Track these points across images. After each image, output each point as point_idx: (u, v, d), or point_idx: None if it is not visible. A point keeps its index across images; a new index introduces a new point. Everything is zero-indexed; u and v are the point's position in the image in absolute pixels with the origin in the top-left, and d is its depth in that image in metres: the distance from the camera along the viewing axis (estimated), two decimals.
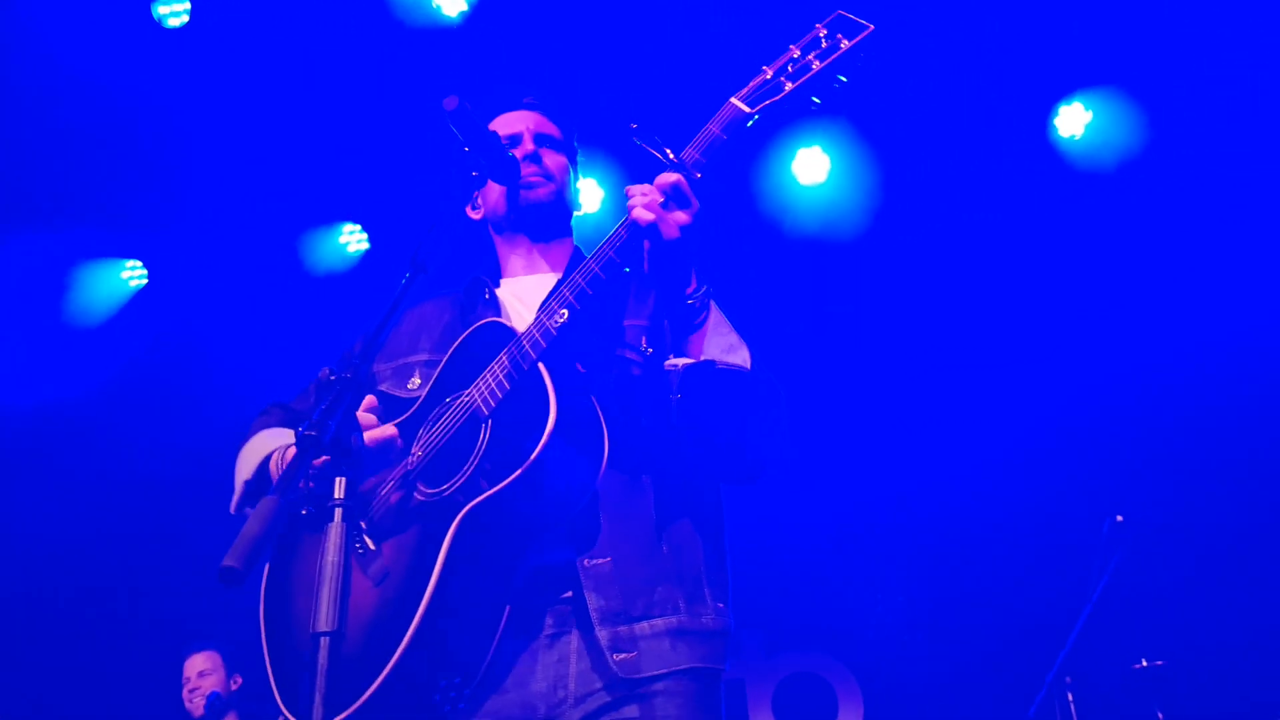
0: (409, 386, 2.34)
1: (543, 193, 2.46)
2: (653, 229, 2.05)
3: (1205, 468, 5.24)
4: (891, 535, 6.04)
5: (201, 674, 5.40)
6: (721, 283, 2.25)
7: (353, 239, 6.34)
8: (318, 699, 1.23)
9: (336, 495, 1.41)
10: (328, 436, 1.39)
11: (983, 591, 5.69)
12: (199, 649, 5.48)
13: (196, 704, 5.34)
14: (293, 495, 1.33)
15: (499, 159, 2.24)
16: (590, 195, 6.21)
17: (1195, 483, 5.24)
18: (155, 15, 5.31)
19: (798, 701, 6.31)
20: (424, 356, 2.40)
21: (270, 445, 2.29)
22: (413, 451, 2.18)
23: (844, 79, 2.06)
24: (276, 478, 2.20)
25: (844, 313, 6.16)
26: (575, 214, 2.61)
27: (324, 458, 1.46)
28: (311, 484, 1.58)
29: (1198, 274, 5.42)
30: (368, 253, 6.30)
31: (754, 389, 2.16)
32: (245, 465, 2.30)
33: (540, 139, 2.52)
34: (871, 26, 2.03)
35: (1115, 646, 4.14)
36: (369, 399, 2.21)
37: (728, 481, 2.36)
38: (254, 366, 5.71)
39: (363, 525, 2.16)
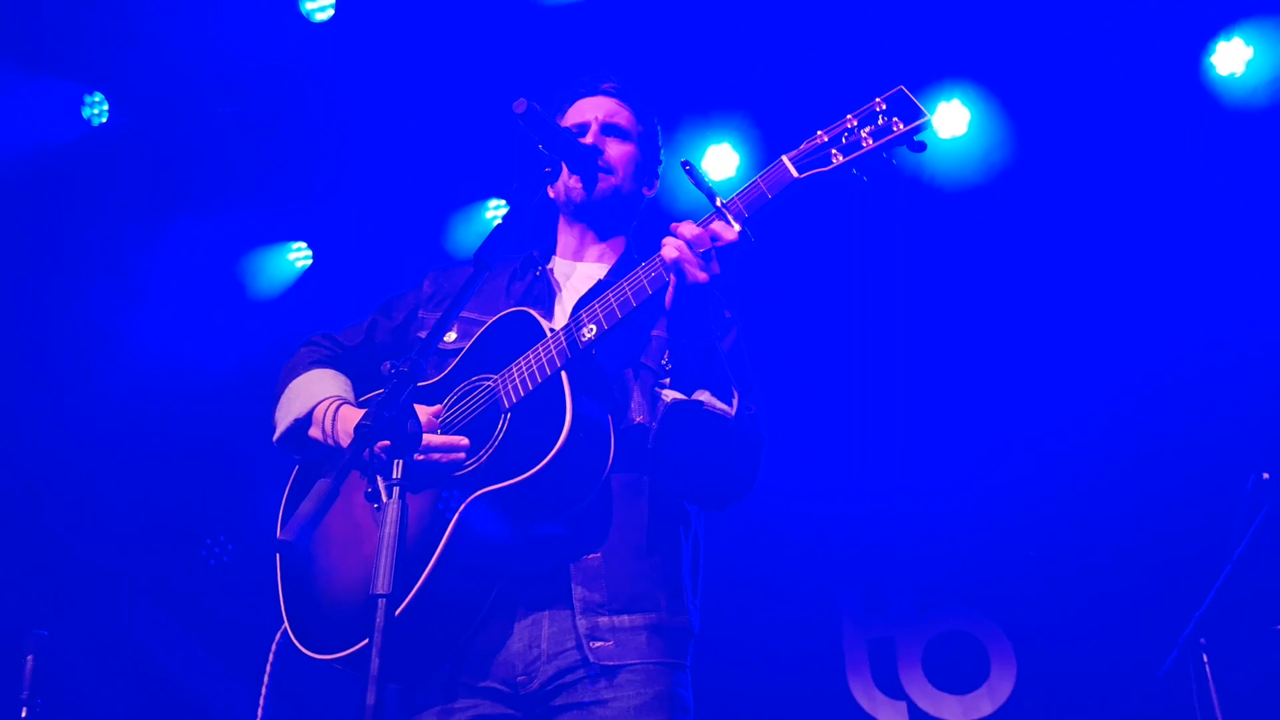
0: (445, 339, 2.48)
1: (601, 187, 2.52)
2: (683, 272, 2.07)
3: None
4: (1038, 491, 5.95)
5: None
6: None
7: (498, 214, 6.60)
8: (374, 656, 1.40)
9: (395, 475, 1.58)
10: (382, 425, 1.56)
11: (1130, 548, 5.58)
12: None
13: None
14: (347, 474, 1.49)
15: (573, 151, 2.36)
16: (725, 161, 6.29)
17: None
18: (303, 10, 5.66)
19: (949, 660, 6.30)
20: (466, 314, 2.50)
21: (321, 391, 2.46)
22: (437, 420, 2.32)
23: (888, 158, 2.05)
24: (324, 434, 2.36)
25: (987, 263, 6.06)
26: (647, 194, 2.67)
27: (383, 443, 1.63)
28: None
29: None
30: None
31: (731, 435, 2.23)
32: (296, 401, 2.47)
33: (607, 129, 2.58)
34: (927, 115, 2.03)
35: (1258, 607, 4.01)
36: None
37: (691, 502, 2.45)
38: None
39: (380, 481, 2.26)
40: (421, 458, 2.16)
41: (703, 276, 2.07)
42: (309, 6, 5.69)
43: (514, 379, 2.25)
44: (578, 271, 2.59)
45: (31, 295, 6.18)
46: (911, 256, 6.08)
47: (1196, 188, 5.59)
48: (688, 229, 2.09)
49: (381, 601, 1.46)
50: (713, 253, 2.07)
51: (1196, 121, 5.58)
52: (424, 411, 2.26)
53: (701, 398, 2.19)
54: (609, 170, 2.53)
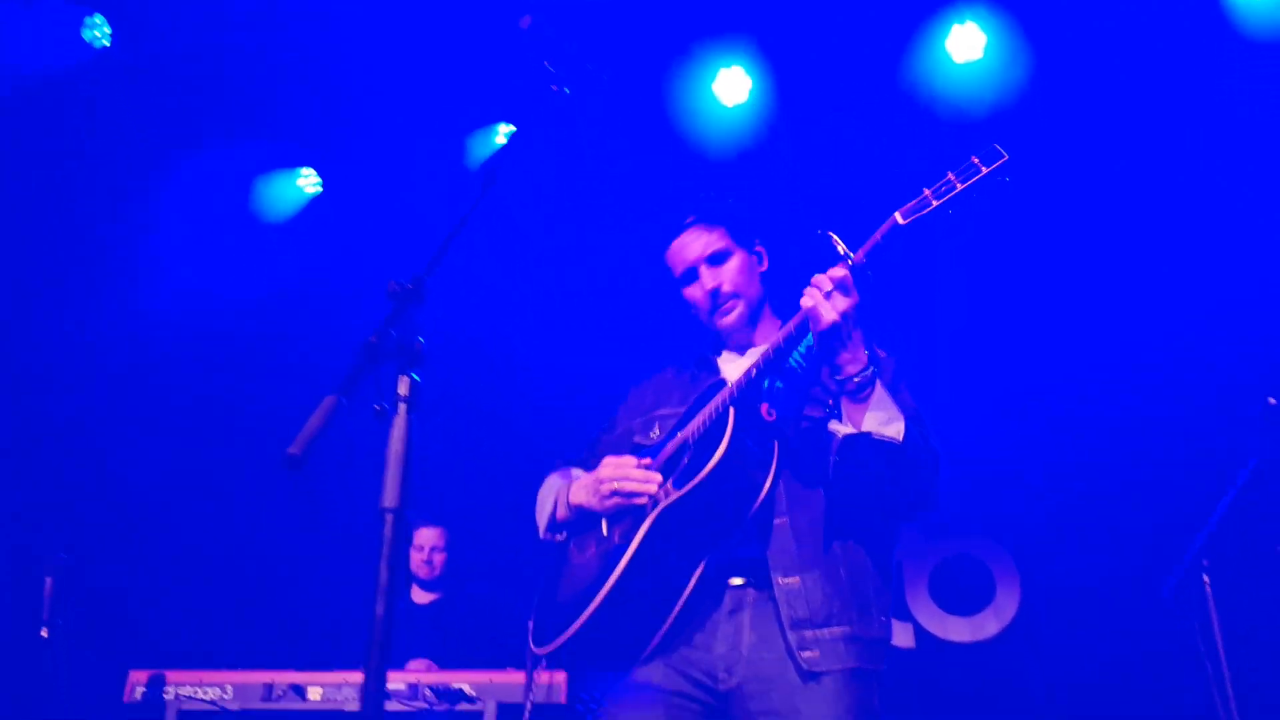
0: (651, 435, 2.95)
1: (732, 318, 2.93)
2: (814, 313, 2.46)
3: None
4: (1043, 415, 5.98)
5: (434, 548, 5.93)
6: (898, 355, 2.75)
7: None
8: (383, 568, 1.43)
9: (401, 392, 1.60)
10: (389, 343, 1.57)
11: (1134, 471, 5.62)
12: (427, 522, 5.98)
13: (423, 569, 5.94)
14: (356, 393, 1.52)
15: (580, 70, 2.35)
16: (739, 85, 6.23)
17: None
18: None
19: (954, 583, 6.39)
20: (664, 412, 2.97)
21: (559, 484, 2.96)
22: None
23: (975, 196, 2.45)
24: (568, 508, 2.87)
25: (1004, 195, 6.00)
26: (763, 269, 3.01)
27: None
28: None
29: None
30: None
31: (902, 458, 2.53)
32: (546, 501, 2.99)
33: (711, 260, 2.94)
34: (1006, 156, 2.41)
35: (1261, 531, 4.05)
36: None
37: (879, 518, 2.77)
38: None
39: (604, 521, 2.81)
40: (631, 486, 2.68)
41: (833, 315, 2.44)
42: None
43: (699, 422, 2.70)
44: (746, 357, 2.97)
45: (37, 226, 6.18)
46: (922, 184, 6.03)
47: (1215, 113, 5.52)
48: (816, 278, 2.48)
49: (389, 516, 1.48)
50: (833, 292, 2.44)
51: (1215, 42, 5.50)
52: (630, 459, 2.78)
53: (869, 428, 2.51)
54: (734, 296, 2.93)
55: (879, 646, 2.66)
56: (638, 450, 2.90)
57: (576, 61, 2.34)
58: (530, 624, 2.87)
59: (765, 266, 3.01)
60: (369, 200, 6.49)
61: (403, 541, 1.49)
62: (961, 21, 5.86)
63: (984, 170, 2.42)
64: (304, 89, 6.25)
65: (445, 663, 4.97)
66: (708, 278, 2.92)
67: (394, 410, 1.57)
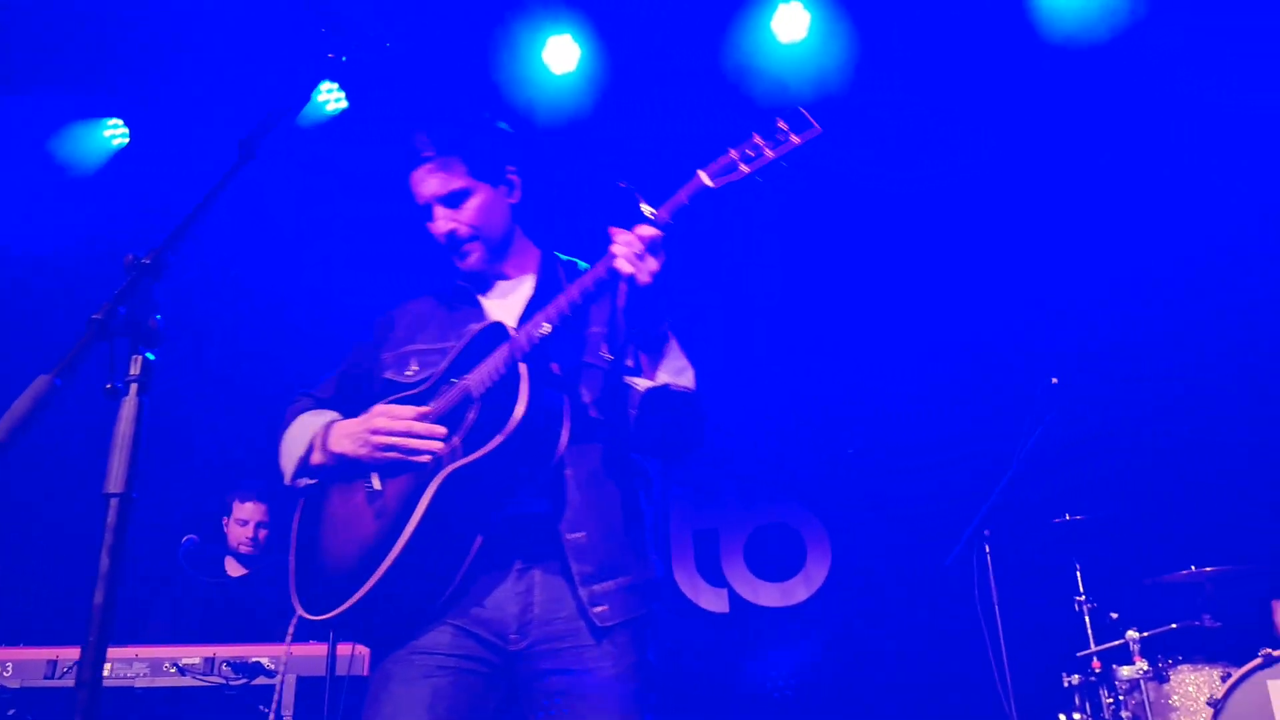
0: (406, 373, 2.78)
1: (472, 260, 2.81)
2: (630, 276, 2.42)
3: (1137, 337, 5.35)
4: (855, 395, 6.19)
5: (259, 524, 5.70)
6: (681, 316, 2.70)
7: (331, 98, 6.36)
8: (104, 555, 1.38)
9: (133, 372, 1.52)
10: (117, 320, 1.49)
11: (934, 446, 5.88)
12: (250, 496, 5.74)
13: (245, 545, 5.71)
14: (70, 377, 1.44)
15: (359, 45, 2.27)
16: (568, 54, 6.20)
17: (1125, 352, 5.36)
18: None
19: (768, 549, 6.58)
20: (420, 346, 2.81)
21: (315, 425, 2.77)
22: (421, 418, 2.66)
23: (785, 165, 2.41)
24: (325, 454, 2.70)
25: (817, 176, 6.15)
26: (514, 202, 2.86)
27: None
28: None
29: (1164, 150, 5.40)
30: (346, 111, 6.33)
31: (694, 406, 2.60)
32: (295, 444, 2.79)
33: (446, 201, 2.78)
34: (819, 129, 2.37)
35: (1041, 502, 4.30)
36: None
37: (656, 459, 2.81)
38: (234, 223, 5.84)
39: (374, 471, 2.66)
40: (414, 443, 2.56)
41: (647, 277, 2.41)
42: None
43: (483, 374, 2.58)
44: (507, 288, 2.88)
45: None
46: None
47: (1021, 114, 5.77)
48: (624, 236, 2.43)
49: (114, 501, 1.42)
50: (645, 253, 2.41)
51: (1029, 46, 5.75)
52: (410, 410, 2.63)
53: (666, 380, 2.55)
54: (471, 239, 2.79)
55: (655, 587, 2.68)
56: (391, 386, 2.76)
57: (351, 29, 2.25)
58: (291, 576, 2.72)
59: (516, 198, 2.86)
60: (180, 153, 6.21)
61: (127, 528, 1.43)
62: (787, 1, 5.95)
63: (795, 141, 2.37)
64: (114, 36, 5.93)
65: (255, 638, 4.84)
66: (443, 220, 2.78)
67: (125, 391, 1.51)
